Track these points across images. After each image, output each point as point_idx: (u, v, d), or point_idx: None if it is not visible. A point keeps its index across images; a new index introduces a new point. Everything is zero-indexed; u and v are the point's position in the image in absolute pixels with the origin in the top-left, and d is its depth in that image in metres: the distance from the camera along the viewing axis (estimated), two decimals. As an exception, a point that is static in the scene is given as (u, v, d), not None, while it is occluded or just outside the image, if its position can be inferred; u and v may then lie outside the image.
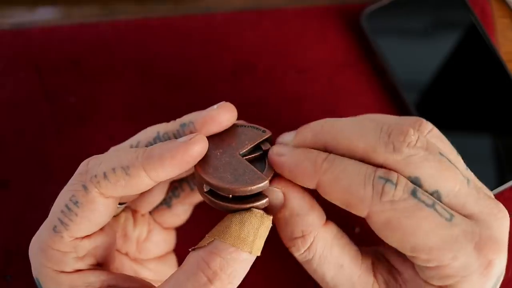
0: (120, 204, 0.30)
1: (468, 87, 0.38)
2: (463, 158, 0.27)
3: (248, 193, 0.25)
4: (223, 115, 0.27)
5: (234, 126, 0.29)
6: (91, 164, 0.26)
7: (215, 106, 0.28)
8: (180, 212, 0.33)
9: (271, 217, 0.25)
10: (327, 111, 0.39)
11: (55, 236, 0.26)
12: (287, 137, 0.29)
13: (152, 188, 0.31)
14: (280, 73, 0.39)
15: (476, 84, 0.38)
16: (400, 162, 0.25)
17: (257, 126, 0.29)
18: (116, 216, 0.31)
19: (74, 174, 0.26)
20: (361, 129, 0.26)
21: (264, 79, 0.39)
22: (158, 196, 0.32)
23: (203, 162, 0.26)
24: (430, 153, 0.25)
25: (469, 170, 0.27)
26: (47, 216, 0.28)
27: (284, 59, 0.40)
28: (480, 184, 0.27)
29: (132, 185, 0.25)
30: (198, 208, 0.34)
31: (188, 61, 0.40)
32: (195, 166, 0.26)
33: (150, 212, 0.33)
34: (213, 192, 0.26)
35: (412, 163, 0.25)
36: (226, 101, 0.30)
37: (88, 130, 0.38)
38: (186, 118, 0.28)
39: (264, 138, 0.28)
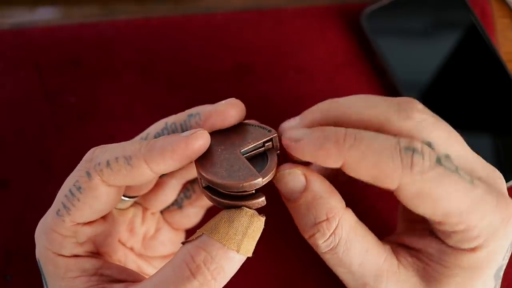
0: (129, 197, 0.30)
1: (468, 87, 0.38)
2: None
3: (241, 190, 0.25)
4: (229, 110, 0.27)
5: (243, 125, 0.29)
6: (97, 153, 0.26)
7: (223, 102, 0.28)
8: (191, 214, 0.33)
9: (263, 219, 0.25)
10: (327, 111, 0.39)
11: (58, 219, 0.26)
12: (292, 122, 0.29)
13: (163, 187, 0.31)
14: (280, 73, 0.39)
15: (476, 84, 0.38)
16: (414, 128, 0.25)
17: (265, 126, 0.28)
18: (124, 210, 0.31)
19: (81, 161, 0.27)
20: (369, 102, 0.26)
21: (264, 79, 0.39)
22: (169, 197, 0.32)
23: (203, 157, 0.26)
24: (437, 119, 0.26)
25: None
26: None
27: (284, 59, 0.40)
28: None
29: (133, 175, 0.25)
30: (211, 212, 0.34)
31: (188, 61, 0.40)
32: (195, 161, 0.26)
33: (161, 212, 0.33)
34: (210, 188, 0.26)
35: (424, 128, 0.25)
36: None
37: (88, 130, 0.38)
38: (194, 110, 0.28)
39: (267, 137, 0.28)
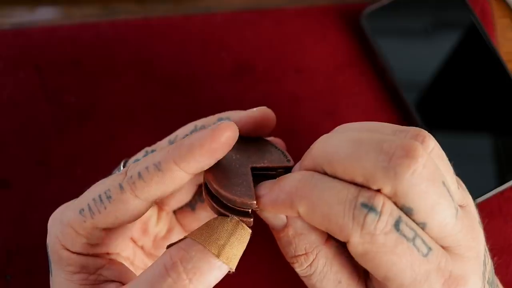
0: None
1: (468, 87, 0.38)
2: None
3: (232, 204, 0.25)
4: (260, 119, 0.27)
5: (266, 143, 0.28)
6: (130, 167, 0.26)
7: (255, 109, 0.28)
8: (203, 218, 0.33)
9: (248, 230, 0.25)
10: (326, 111, 0.39)
11: (78, 217, 0.26)
12: (296, 169, 0.27)
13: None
14: (279, 73, 0.39)
15: (476, 84, 0.38)
16: (398, 190, 0.22)
17: (285, 152, 0.28)
18: None
19: (114, 172, 0.27)
20: (357, 150, 0.23)
21: (263, 79, 0.39)
22: (185, 195, 0.32)
23: None
24: (433, 184, 0.23)
25: (459, 189, 0.26)
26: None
27: (284, 59, 0.40)
28: (464, 199, 0.26)
29: (165, 181, 0.25)
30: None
31: (188, 61, 0.40)
32: None
33: (174, 212, 0.33)
34: (209, 187, 0.26)
35: (410, 194, 0.22)
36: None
37: (88, 130, 0.38)
38: (224, 114, 0.28)
39: (282, 165, 0.27)
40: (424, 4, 0.39)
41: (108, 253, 0.28)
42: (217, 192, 0.25)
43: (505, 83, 0.38)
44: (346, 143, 0.23)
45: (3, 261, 0.36)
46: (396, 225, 0.22)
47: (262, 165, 0.27)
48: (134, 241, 0.32)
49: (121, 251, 0.29)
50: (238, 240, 0.24)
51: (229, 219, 0.25)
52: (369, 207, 0.22)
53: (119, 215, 0.26)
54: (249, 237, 0.25)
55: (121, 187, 0.25)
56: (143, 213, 0.27)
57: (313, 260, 0.26)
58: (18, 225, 0.36)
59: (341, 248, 0.27)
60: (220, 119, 0.28)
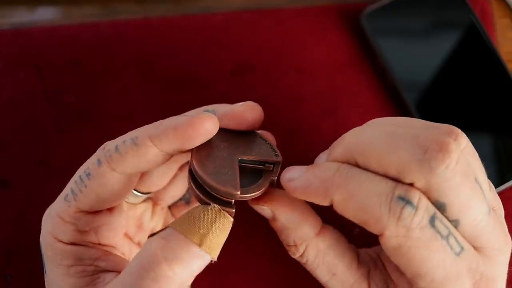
0: (143, 193, 0.30)
1: (468, 87, 0.38)
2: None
3: (215, 192, 0.25)
4: (246, 114, 0.27)
5: (256, 136, 0.28)
6: (108, 143, 0.27)
7: (240, 104, 0.28)
8: None
9: (230, 219, 0.25)
10: (327, 111, 0.39)
11: (64, 204, 0.27)
12: (322, 157, 0.27)
13: (174, 180, 0.31)
14: (279, 73, 0.39)
15: (476, 84, 0.38)
16: (432, 184, 0.22)
17: (274, 147, 0.28)
18: (135, 204, 0.31)
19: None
20: (393, 142, 0.23)
21: (263, 79, 0.39)
22: (179, 190, 0.32)
23: (204, 144, 0.26)
24: (466, 180, 0.23)
25: (490, 190, 0.26)
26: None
27: (284, 59, 0.40)
28: (495, 201, 0.26)
29: (140, 155, 0.25)
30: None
31: (188, 61, 0.40)
32: None
33: (169, 207, 0.33)
34: (194, 174, 0.26)
35: (444, 189, 0.22)
36: (226, 100, 0.30)
37: (88, 130, 0.38)
38: (210, 106, 0.29)
39: (271, 160, 0.27)
40: (424, 4, 0.39)
41: (100, 244, 0.28)
42: (201, 179, 0.25)
43: (505, 83, 0.38)
44: (382, 135, 0.24)
45: (3, 261, 0.36)
46: (431, 221, 0.22)
47: (249, 157, 0.27)
48: (130, 238, 0.32)
49: (118, 245, 0.30)
50: (220, 229, 0.24)
51: (210, 207, 0.25)
52: (406, 201, 0.22)
53: (99, 191, 0.26)
54: (231, 226, 0.25)
55: (98, 162, 0.26)
56: (123, 193, 0.27)
57: (304, 251, 0.27)
58: (18, 225, 0.36)
59: (339, 239, 0.28)
60: (206, 111, 0.28)
